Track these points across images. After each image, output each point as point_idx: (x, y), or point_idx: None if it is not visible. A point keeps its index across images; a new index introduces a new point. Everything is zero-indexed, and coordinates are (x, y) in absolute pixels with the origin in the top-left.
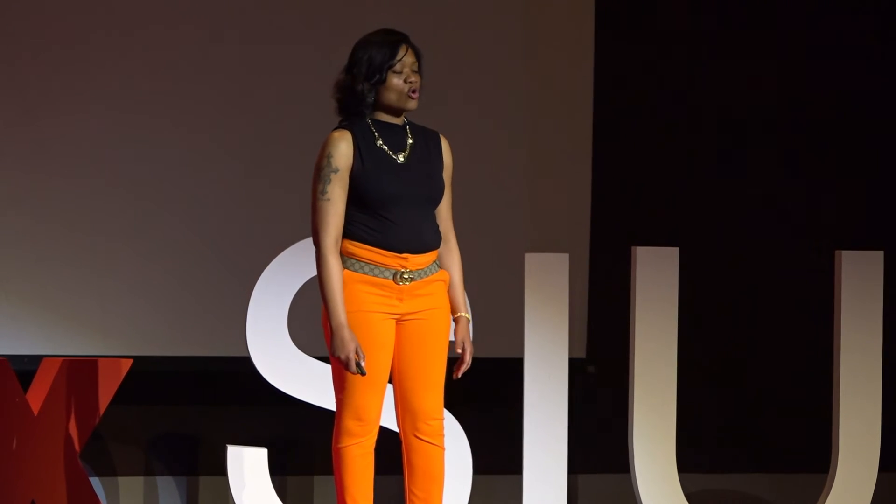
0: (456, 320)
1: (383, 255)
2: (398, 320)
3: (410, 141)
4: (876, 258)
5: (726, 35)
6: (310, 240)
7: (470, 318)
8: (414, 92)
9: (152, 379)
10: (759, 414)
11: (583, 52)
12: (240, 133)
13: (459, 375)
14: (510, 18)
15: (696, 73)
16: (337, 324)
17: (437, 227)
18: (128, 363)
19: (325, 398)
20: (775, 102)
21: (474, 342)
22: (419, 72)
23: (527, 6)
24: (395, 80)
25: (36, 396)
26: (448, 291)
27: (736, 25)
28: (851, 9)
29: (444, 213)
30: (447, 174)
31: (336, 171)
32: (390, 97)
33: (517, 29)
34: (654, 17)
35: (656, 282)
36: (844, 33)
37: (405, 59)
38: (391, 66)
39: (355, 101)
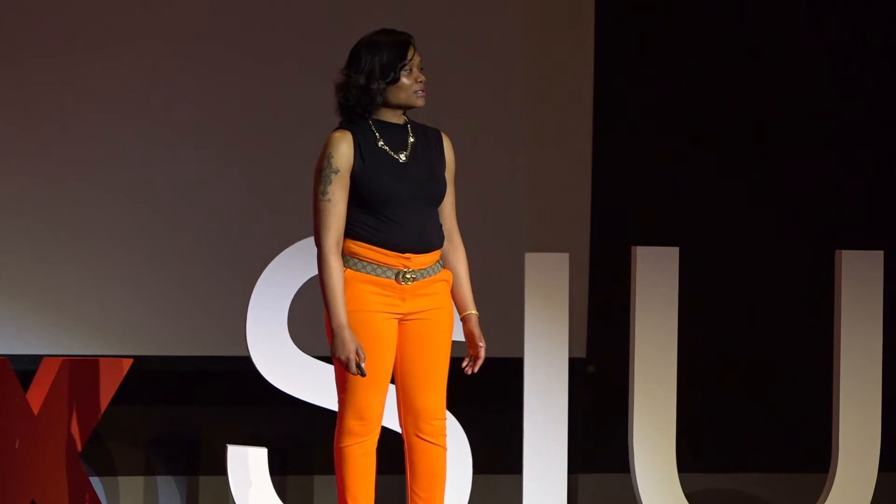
0: (465, 318)
1: (386, 254)
2: (401, 320)
3: (412, 140)
4: (876, 258)
5: (726, 35)
6: (310, 239)
7: (477, 314)
8: (422, 91)
9: (152, 379)
10: (759, 414)
11: (583, 52)
12: (240, 134)
13: (476, 370)
14: (510, 18)
15: (697, 72)
16: (338, 325)
17: (440, 226)
18: (128, 363)
19: (325, 398)
20: (775, 102)
21: None
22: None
23: (527, 6)
24: (406, 80)
25: (36, 396)
26: (454, 290)
27: (736, 25)
28: (851, 8)
29: (447, 211)
30: (449, 172)
31: (337, 171)
32: (400, 96)
33: (517, 29)
34: (655, 16)
35: (656, 282)
36: (844, 33)
37: (414, 58)
38: (404, 66)
39: (367, 101)
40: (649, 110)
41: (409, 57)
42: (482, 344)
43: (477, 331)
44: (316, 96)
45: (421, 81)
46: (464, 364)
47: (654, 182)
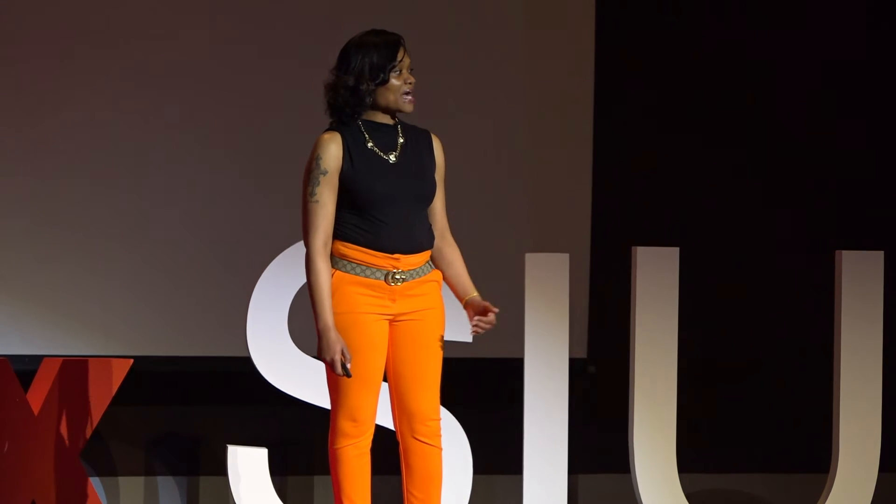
0: (469, 301)
1: (374, 255)
2: (391, 321)
3: (401, 140)
4: (876, 258)
5: (726, 35)
6: None
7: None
8: (411, 94)
9: (152, 379)
10: (758, 414)
11: (583, 53)
12: (240, 133)
13: (481, 331)
14: (511, 19)
15: (696, 72)
16: (323, 326)
17: (430, 227)
18: (128, 363)
19: (325, 398)
20: (775, 102)
21: (475, 341)
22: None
23: (528, 8)
24: (395, 82)
25: (36, 396)
26: (453, 280)
27: (736, 25)
28: (850, 8)
29: (438, 211)
30: (439, 173)
31: (325, 172)
32: (389, 98)
33: (518, 29)
34: (654, 18)
35: (656, 282)
36: (844, 32)
37: (404, 60)
38: (393, 67)
39: (355, 101)
40: (649, 110)
41: (399, 58)
42: (493, 310)
43: (485, 303)
44: (318, 97)
45: (410, 83)
46: (472, 324)
47: (654, 182)
